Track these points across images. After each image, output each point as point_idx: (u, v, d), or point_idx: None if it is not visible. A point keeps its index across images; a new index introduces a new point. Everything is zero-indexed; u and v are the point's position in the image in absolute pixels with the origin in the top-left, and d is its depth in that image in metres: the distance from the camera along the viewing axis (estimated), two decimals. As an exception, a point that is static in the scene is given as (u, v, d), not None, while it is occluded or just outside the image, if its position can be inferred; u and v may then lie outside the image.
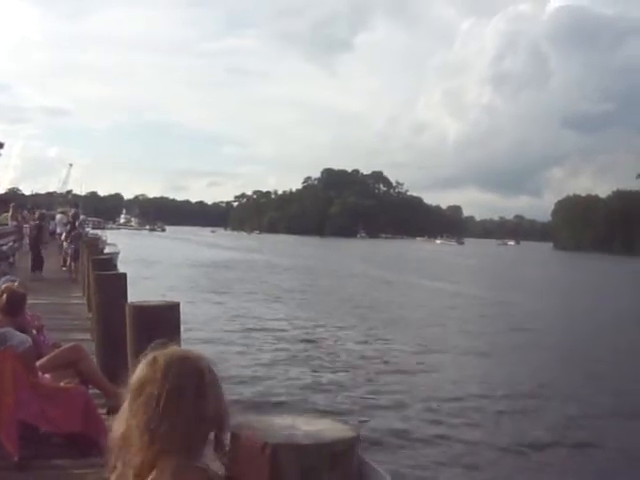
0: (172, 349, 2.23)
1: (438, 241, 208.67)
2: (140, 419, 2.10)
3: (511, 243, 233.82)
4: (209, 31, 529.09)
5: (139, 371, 2.18)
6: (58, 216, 27.08)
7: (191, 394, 2.11)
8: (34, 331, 7.09)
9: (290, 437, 1.85)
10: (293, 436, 1.86)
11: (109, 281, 9.17)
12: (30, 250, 22.83)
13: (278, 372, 17.68)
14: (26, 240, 33.11)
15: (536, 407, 15.48)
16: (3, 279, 8.44)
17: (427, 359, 20.53)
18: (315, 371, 18.22)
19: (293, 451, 1.81)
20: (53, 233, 30.81)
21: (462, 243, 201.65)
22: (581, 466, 11.84)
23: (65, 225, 24.81)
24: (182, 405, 2.10)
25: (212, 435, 2.13)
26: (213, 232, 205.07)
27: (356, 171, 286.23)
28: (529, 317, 31.82)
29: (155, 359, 2.18)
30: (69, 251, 23.07)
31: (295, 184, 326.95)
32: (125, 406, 2.15)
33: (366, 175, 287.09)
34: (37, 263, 21.63)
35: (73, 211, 25.47)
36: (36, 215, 28.26)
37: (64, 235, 24.32)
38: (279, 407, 13.95)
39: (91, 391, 6.42)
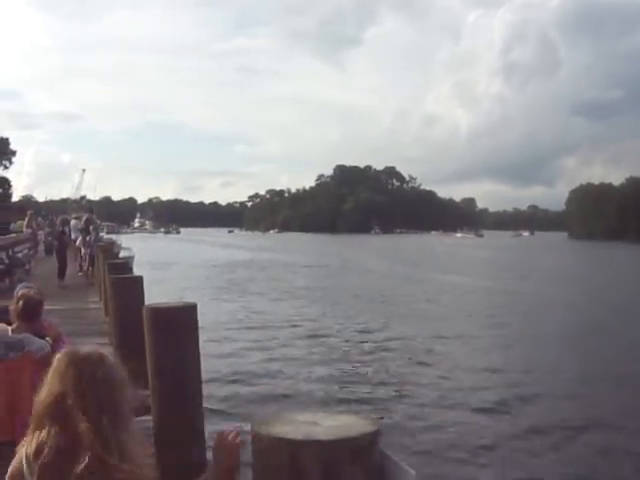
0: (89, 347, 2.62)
1: (458, 234, 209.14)
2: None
3: (526, 234, 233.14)
4: (217, 31, 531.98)
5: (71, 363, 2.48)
6: (72, 222, 27.13)
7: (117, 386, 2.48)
8: (48, 339, 7.09)
9: (310, 433, 1.83)
10: (313, 432, 1.84)
11: (125, 285, 9.17)
12: (56, 256, 22.88)
13: (296, 368, 17.70)
14: (41, 247, 33.32)
15: (548, 395, 15.46)
16: (20, 286, 8.46)
17: (444, 350, 20.51)
18: (332, 366, 18.22)
19: (313, 447, 1.79)
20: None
21: (481, 236, 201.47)
22: (603, 453, 11.78)
23: (80, 231, 24.91)
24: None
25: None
26: (231, 232, 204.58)
27: (369, 167, 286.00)
28: (551, 308, 31.78)
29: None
30: (85, 256, 23.18)
31: (308, 182, 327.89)
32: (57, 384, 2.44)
33: (379, 171, 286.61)
34: (62, 270, 21.68)
35: (86, 216, 25.56)
36: (58, 221, 28.42)
37: (79, 240, 24.40)
38: (298, 403, 13.96)
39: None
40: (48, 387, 2.44)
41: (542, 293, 37.72)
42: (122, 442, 2.32)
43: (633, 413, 14.22)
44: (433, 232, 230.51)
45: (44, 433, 2.34)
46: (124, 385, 2.51)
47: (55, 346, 6.92)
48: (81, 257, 24.24)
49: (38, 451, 2.31)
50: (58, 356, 2.52)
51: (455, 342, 22.28)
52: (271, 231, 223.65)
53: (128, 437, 2.36)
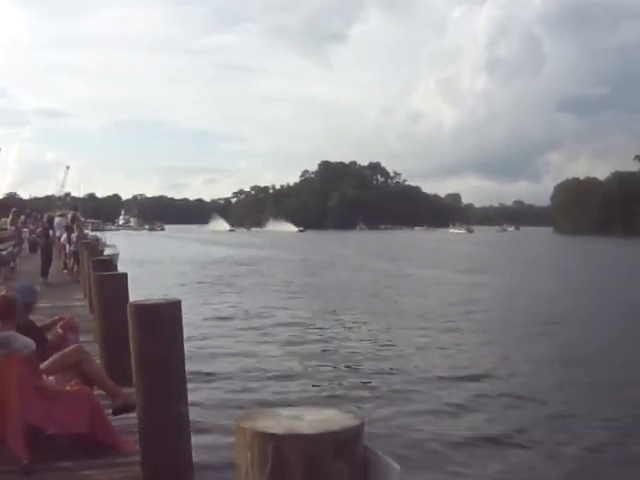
0: None
1: (451, 230, 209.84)
2: None
3: (511, 229, 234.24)
4: (201, 28, 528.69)
5: None
6: (57, 219, 27.01)
7: None
8: (60, 330, 7.17)
9: (293, 427, 1.83)
10: (297, 426, 1.84)
11: (110, 281, 9.15)
12: (42, 254, 22.77)
13: (279, 362, 17.64)
14: (25, 244, 33.14)
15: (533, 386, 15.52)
16: (18, 285, 8.42)
17: (428, 344, 20.54)
18: (315, 359, 18.17)
19: (296, 441, 1.80)
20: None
21: (472, 231, 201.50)
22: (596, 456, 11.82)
23: (65, 228, 24.84)
24: None
25: None
26: (233, 231, 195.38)
27: (353, 163, 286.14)
28: (532, 301, 31.91)
29: None
30: (70, 253, 23.11)
31: (292, 178, 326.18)
32: None
33: (363, 166, 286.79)
34: (45, 268, 21.59)
35: (71, 214, 25.49)
36: (45, 219, 28.32)
37: (64, 238, 24.33)
38: (282, 397, 13.94)
39: (96, 392, 6.41)
40: None
41: (525, 287, 37.93)
42: None
43: (610, 405, 14.32)
44: (416, 228, 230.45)
45: None
46: None
47: (63, 338, 7.04)
48: (65, 254, 24.17)
49: None
50: None
51: (438, 336, 22.28)
52: (294, 229, 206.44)
53: None
